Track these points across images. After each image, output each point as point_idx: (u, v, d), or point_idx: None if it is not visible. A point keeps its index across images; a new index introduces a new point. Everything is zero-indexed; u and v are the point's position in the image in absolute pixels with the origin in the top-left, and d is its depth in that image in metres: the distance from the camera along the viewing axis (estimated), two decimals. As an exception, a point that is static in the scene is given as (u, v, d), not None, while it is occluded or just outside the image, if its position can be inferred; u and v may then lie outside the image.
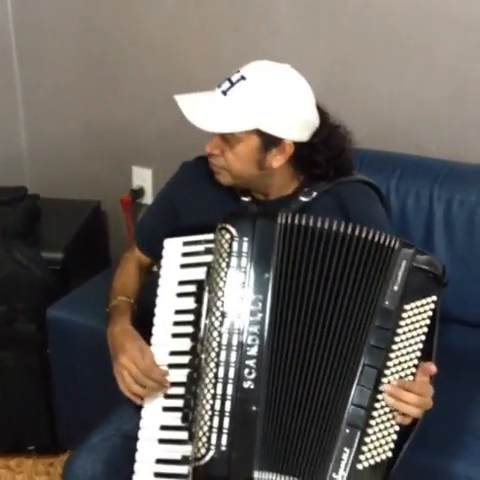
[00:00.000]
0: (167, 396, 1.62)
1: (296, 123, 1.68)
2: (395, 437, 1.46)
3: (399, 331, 1.49)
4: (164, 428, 1.61)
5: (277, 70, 1.69)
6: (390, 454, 1.46)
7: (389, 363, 1.48)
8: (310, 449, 1.48)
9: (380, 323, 1.50)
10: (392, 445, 1.46)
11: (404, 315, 1.50)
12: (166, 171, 2.02)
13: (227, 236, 1.57)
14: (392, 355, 1.48)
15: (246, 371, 1.50)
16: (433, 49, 2.30)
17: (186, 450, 1.54)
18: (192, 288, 1.65)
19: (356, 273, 1.54)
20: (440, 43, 2.28)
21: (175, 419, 1.59)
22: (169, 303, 1.68)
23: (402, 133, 2.42)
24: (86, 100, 3.00)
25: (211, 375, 1.51)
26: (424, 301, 1.51)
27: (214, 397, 1.49)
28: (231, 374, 1.50)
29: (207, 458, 1.46)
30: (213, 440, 1.47)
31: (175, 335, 1.65)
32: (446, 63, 2.29)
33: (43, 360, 2.41)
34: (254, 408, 1.49)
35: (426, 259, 1.54)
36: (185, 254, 1.69)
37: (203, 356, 1.54)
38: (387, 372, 1.48)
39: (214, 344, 1.52)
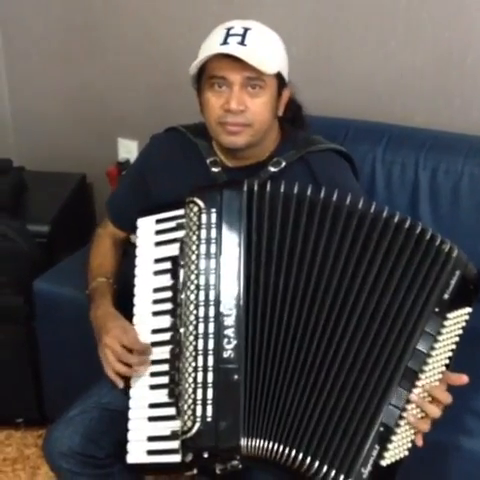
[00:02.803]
0: (153, 374, 1.62)
1: (287, 67, 1.75)
2: (413, 437, 1.47)
3: (439, 338, 1.48)
4: (153, 406, 1.60)
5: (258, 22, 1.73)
6: (407, 453, 1.46)
7: (425, 368, 1.47)
8: (331, 434, 1.46)
9: (428, 328, 1.48)
10: (410, 444, 1.47)
11: (446, 323, 1.48)
12: (151, 143, 2.00)
13: (195, 209, 1.58)
14: (429, 360, 1.47)
15: (225, 341, 1.50)
16: (417, 17, 2.28)
17: (175, 425, 1.54)
18: (168, 265, 1.65)
19: (383, 261, 1.52)
20: (424, 11, 2.27)
21: (163, 396, 1.59)
22: (147, 282, 1.69)
23: (386, 102, 2.41)
24: (70, 72, 2.98)
25: (191, 348, 1.51)
26: (463, 311, 1.50)
27: (196, 370, 1.50)
28: (210, 345, 1.50)
29: (194, 430, 1.47)
30: (198, 412, 1.47)
31: (155, 313, 1.66)
32: (430, 31, 2.28)
33: (30, 332, 2.41)
34: (236, 377, 1.49)
35: (472, 269, 1.53)
36: (158, 232, 1.69)
37: (182, 330, 1.55)
38: (422, 376, 1.47)
39: (191, 317, 1.53)
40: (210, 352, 1.50)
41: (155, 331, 1.65)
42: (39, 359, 2.43)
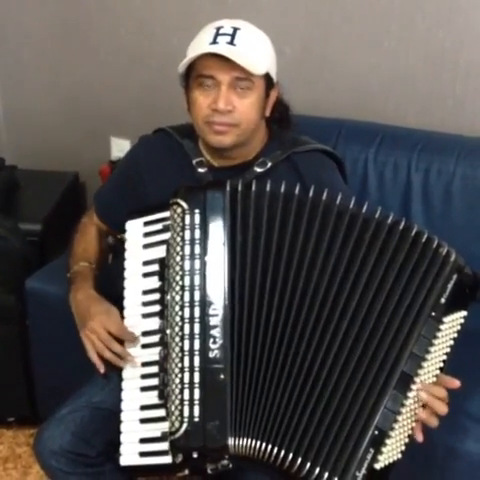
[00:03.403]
0: (144, 376, 1.63)
1: (275, 68, 1.75)
2: (407, 440, 1.46)
3: (435, 342, 1.47)
4: (144, 408, 1.61)
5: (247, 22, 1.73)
6: (400, 456, 1.46)
7: (420, 371, 1.46)
8: (323, 436, 1.45)
9: (424, 332, 1.47)
10: (403, 447, 1.46)
11: (442, 327, 1.47)
12: (144, 142, 2.00)
13: (179, 210, 1.58)
14: (424, 364, 1.46)
15: (211, 341, 1.50)
16: (411, 18, 2.29)
17: (165, 427, 1.53)
18: (156, 267, 1.65)
19: (377, 262, 1.50)
20: (418, 12, 2.27)
21: (153, 398, 1.59)
22: (136, 284, 1.69)
23: (379, 102, 2.41)
24: (63, 70, 2.98)
25: (177, 349, 1.51)
26: (458, 315, 1.49)
27: (182, 370, 1.50)
28: (196, 346, 1.50)
29: (181, 431, 1.47)
30: (185, 412, 1.47)
31: (145, 315, 1.66)
32: (424, 32, 2.28)
33: (23, 331, 2.40)
34: (222, 376, 1.49)
35: (468, 273, 1.51)
36: (146, 234, 1.70)
37: (168, 331, 1.55)
38: (417, 379, 1.46)
39: (177, 318, 1.53)
40: (196, 352, 1.50)
41: (145, 333, 1.65)
42: (31, 358, 2.43)
